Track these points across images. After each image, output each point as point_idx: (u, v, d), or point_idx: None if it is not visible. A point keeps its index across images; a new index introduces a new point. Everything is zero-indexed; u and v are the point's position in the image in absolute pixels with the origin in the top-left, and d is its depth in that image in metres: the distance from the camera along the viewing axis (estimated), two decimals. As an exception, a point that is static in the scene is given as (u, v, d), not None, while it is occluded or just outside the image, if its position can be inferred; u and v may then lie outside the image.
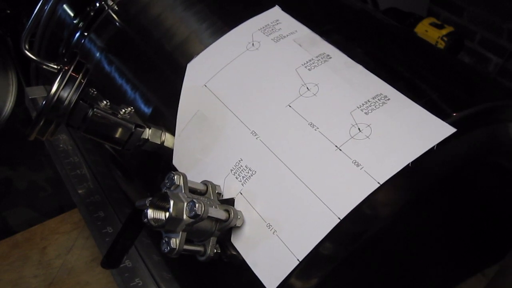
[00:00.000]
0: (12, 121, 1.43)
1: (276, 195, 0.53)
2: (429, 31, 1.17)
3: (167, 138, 0.64)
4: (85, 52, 0.82)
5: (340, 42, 0.63)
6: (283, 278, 0.49)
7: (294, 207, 0.51)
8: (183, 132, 0.64)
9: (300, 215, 0.50)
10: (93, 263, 0.93)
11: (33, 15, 0.84)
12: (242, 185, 0.55)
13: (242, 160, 0.56)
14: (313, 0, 0.76)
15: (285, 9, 0.69)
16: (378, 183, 0.48)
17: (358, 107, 0.54)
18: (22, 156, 1.48)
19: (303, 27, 0.65)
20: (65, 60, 0.69)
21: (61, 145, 0.94)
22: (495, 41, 1.84)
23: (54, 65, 0.84)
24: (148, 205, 0.50)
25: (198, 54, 0.67)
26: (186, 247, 0.51)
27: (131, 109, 0.62)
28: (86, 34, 0.83)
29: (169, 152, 0.64)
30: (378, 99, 0.55)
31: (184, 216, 0.49)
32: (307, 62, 0.60)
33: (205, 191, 0.55)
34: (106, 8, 0.82)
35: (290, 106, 0.57)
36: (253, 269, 0.52)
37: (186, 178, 0.53)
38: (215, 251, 0.54)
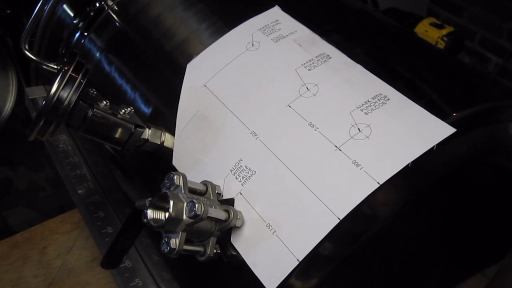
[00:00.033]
0: (12, 121, 1.43)
1: (276, 195, 0.53)
2: (429, 31, 1.17)
3: (167, 138, 0.64)
4: (85, 52, 0.82)
5: (340, 42, 0.63)
6: (283, 278, 0.49)
7: (294, 207, 0.51)
8: (183, 132, 0.64)
9: (300, 215, 0.50)
10: (93, 263, 0.93)
11: (33, 15, 0.84)
12: (242, 185, 0.55)
13: (242, 160, 0.56)
14: (313, 0, 0.76)
15: (285, 9, 0.68)
16: (378, 183, 0.48)
17: (358, 107, 0.54)
18: (22, 156, 1.48)
19: (303, 27, 0.65)
20: (65, 60, 0.70)
21: (61, 145, 0.94)
22: (495, 41, 1.84)
23: (54, 65, 0.84)
24: (148, 205, 0.50)
25: (198, 54, 0.67)
26: (186, 247, 0.51)
27: (131, 109, 0.62)
28: (86, 34, 0.83)
29: (169, 152, 0.64)
30: (378, 99, 0.55)
31: (184, 216, 0.49)
32: (307, 62, 0.60)
33: (204, 191, 0.55)
34: (106, 8, 0.82)
35: (290, 106, 0.57)
36: (253, 269, 0.52)
37: (186, 178, 0.53)
38: (215, 251, 0.53)
